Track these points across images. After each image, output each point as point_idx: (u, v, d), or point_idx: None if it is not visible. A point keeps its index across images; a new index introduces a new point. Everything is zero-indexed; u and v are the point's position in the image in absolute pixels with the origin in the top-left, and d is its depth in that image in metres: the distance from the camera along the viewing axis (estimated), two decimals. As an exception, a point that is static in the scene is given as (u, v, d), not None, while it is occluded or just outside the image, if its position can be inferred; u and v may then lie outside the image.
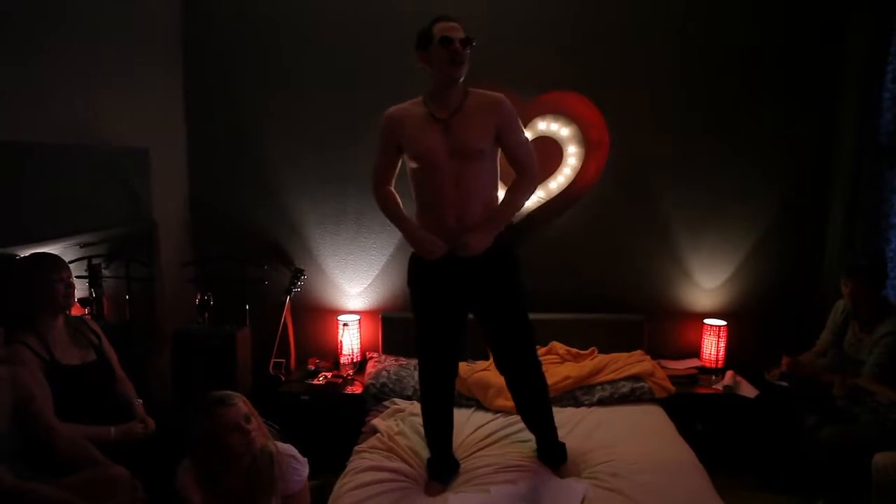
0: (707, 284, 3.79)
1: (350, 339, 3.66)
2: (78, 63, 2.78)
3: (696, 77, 3.60)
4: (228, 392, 2.01)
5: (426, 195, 2.46)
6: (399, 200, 2.55)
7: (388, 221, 2.58)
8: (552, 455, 2.67)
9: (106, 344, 2.56)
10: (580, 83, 3.54)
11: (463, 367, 3.14)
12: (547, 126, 3.56)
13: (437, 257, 2.39)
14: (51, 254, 2.41)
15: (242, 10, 3.61)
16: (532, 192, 2.60)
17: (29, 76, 2.50)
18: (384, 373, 3.39)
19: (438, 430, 2.65)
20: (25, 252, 2.38)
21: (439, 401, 2.63)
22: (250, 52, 3.64)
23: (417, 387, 3.24)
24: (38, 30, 2.55)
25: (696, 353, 3.78)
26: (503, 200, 2.50)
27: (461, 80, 2.36)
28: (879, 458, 2.55)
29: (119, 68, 3.06)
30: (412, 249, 2.52)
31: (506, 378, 2.68)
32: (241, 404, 1.99)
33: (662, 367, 3.50)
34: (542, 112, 3.56)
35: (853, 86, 3.41)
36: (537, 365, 2.64)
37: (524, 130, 2.60)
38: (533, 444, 2.77)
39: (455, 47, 2.29)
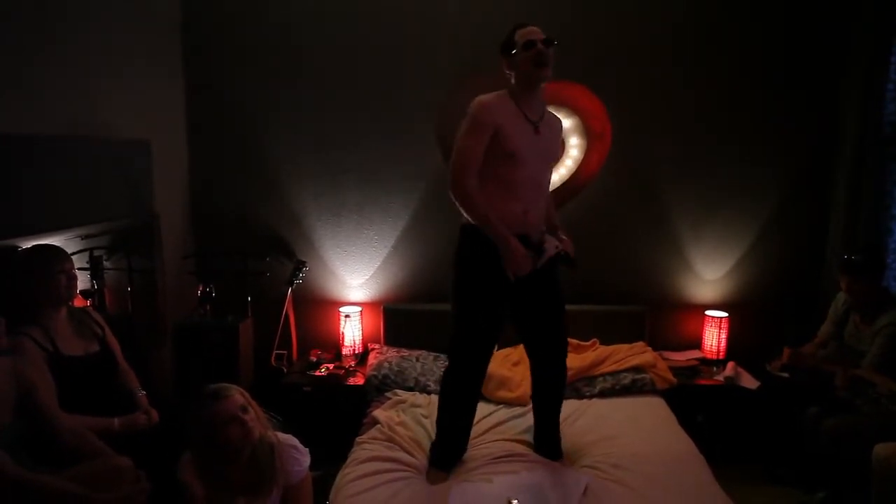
0: (708, 276, 3.79)
1: (352, 330, 3.67)
2: (79, 55, 2.77)
3: (699, 69, 3.59)
4: (225, 384, 2.02)
5: (501, 185, 2.43)
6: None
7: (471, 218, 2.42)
8: (552, 447, 2.69)
9: (109, 335, 2.57)
10: (582, 74, 3.53)
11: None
12: (549, 117, 3.55)
13: (520, 275, 2.39)
14: (53, 245, 2.41)
15: (243, 3, 3.60)
16: None
17: (31, 69, 2.50)
18: (386, 364, 3.40)
19: (460, 422, 2.65)
20: (27, 244, 2.38)
21: (469, 395, 2.63)
22: (251, 44, 3.63)
23: (419, 378, 3.27)
24: (39, 22, 2.54)
25: (697, 344, 3.78)
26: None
27: (547, 80, 2.45)
28: (880, 449, 2.56)
29: (120, 60, 3.05)
30: (516, 253, 2.37)
31: (534, 365, 2.70)
32: (238, 396, 1.99)
33: (664, 359, 3.50)
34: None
35: (857, 76, 3.39)
36: (565, 358, 2.71)
37: None
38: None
39: (539, 48, 2.38)
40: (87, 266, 2.93)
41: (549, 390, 2.72)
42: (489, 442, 2.78)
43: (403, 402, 3.11)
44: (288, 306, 3.59)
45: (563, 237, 2.62)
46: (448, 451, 2.63)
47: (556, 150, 2.60)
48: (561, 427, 2.79)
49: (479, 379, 2.65)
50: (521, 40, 2.39)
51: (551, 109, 3.49)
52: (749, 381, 3.42)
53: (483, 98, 2.42)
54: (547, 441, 2.71)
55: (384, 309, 3.73)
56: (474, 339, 2.55)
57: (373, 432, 2.83)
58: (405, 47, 3.59)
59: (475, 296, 2.50)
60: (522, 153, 2.40)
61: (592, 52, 3.57)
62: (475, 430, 2.84)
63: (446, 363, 2.67)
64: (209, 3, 3.61)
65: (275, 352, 3.54)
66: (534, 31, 2.41)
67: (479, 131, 2.38)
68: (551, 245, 2.50)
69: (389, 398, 3.17)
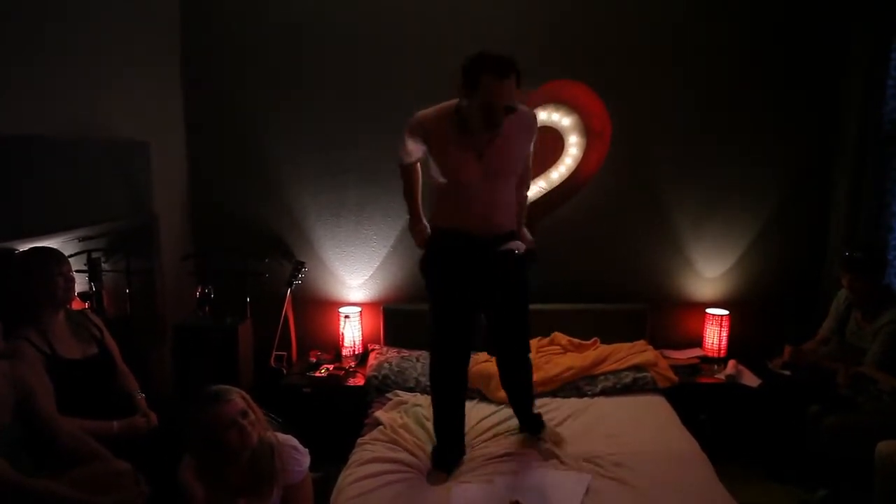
0: (709, 274, 3.79)
1: (351, 331, 3.66)
2: (78, 56, 2.76)
3: (699, 67, 3.58)
4: (225, 387, 2.00)
5: (454, 201, 2.46)
6: (420, 179, 2.59)
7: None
8: (533, 424, 2.79)
9: (108, 337, 2.55)
10: (582, 72, 3.52)
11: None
12: (548, 116, 3.53)
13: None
14: (50, 248, 2.40)
15: (242, 4, 3.59)
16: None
17: (30, 70, 2.49)
18: (386, 365, 3.39)
19: (449, 419, 2.67)
20: (25, 246, 2.37)
21: (452, 390, 2.66)
22: (250, 45, 3.62)
23: (420, 378, 3.26)
24: (38, 23, 2.53)
25: (698, 342, 3.77)
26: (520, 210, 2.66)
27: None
28: (883, 447, 2.55)
29: (119, 60, 3.04)
30: (417, 235, 2.65)
31: (499, 357, 2.77)
32: (238, 399, 1.98)
33: (665, 357, 3.50)
34: (544, 101, 3.53)
35: (857, 75, 3.39)
36: (528, 350, 2.79)
37: None
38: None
39: (495, 115, 2.23)
40: (85, 268, 2.92)
41: (515, 378, 2.80)
42: (490, 442, 2.78)
43: (405, 402, 3.10)
44: (287, 307, 3.58)
45: (527, 236, 2.69)
46: (446, 452, 2.62)
47: (511, 163, 2.44)
48: (563, 425, 2.86)
49: (459, 374, 2.67)
50: (484, 94, 2.20)
51: (551, 107, 3.53)
52: (750, 379, 3.41)
53: (420, 116, 2.40)
54: (526, 420, 2.81)
55: (384, 309, 3.72)
56: (445, 333, 2.61)
57: (375, 433, 2.82)
58: (405, 47, 3.57)
59: (435, 287, 2.58)
60: (460, 179, 2.39)
61: (593, 50, 3.56)
62: (476, 431, 2.84)
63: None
64: (208, 3, 3.59)
65: (274, 353, 3.53)
66: (500, 90, 2.19)
67: (410, 142, 2.45)
68: (513, 247, 2.55)
69: (391, 399, 3.16)
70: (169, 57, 3.56)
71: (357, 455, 2.66)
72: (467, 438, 2.78)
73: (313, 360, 3.63)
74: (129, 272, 3.12)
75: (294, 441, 2.15)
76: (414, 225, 2.64)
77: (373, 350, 3.68)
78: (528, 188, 2.74)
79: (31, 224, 2.43)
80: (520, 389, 2.82)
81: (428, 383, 3.22)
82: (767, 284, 3.77)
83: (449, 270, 2.53)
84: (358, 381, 3.44)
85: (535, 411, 2.85)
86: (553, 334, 3.60)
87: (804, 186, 3.68)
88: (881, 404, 2.79)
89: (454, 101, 2.40)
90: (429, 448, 2.69)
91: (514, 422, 2.92)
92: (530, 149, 2.56)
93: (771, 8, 3.53)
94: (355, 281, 3.83)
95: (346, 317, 3.65)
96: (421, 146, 2.45)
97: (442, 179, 2.43)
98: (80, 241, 2.85)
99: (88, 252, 2.92)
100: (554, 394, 3.22)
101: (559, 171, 3.60)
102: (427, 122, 2.40)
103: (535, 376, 3.20)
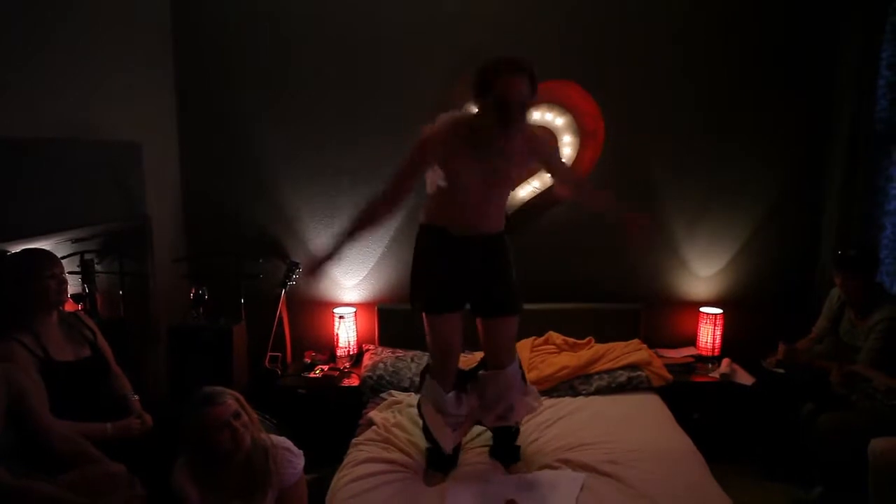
0: (703, 273, 3.79)
1: (346, 331, 3.65)
2: (70, 58, 2.75)
3: (692, 67, 3.59)
4: (218, 389, 2.00)
5: (448, 199, 2.43)
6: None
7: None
8: (507, 453, 2.67)
9: (101, 339, 2.54)
10: (575, 73, 3.52)
11: (465, 358, 3.14)
12: (542, 116, 3.53)
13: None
14: (42, 249, 2.39)
15: (235, 4, 3.57)
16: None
17: (22, 72, 2.47)
18: (381, 365, 3.38)
19: None
20: (17, 247, 2.36)
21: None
22: (243, 46, 3.60)
23: (415, 379, 3.25)
24: (30, 27, 2.51)
25: (692, 341, 3.78)
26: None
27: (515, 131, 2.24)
28: (876, 444, 2.56)
29: (111, 63, 3.03)
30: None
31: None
32: (231, 401, 1.98)
33: (659, 356, 3.51)
34: (537, 101, 3.52)
35: (848, 74, 3.40)
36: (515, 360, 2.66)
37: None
38: (530, 434, 2.77)
39: (511, 112, 2.15)
40: (77, 270, 2.91)
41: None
42: (485, 442, 2.77)
43: (399, 402, 3.10)
44: (281, 308, 3.58)
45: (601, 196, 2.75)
46: (438, 453, 2.61)
47: (511, 177, 2.45)
48: (557, 424, 2.86)
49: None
50: (498, 93, 2.13)
51: (544, 107, 3.53)
52: (744, 378, 3.42)
53: (429, 134, 2.33)
54: (502, 446, 2.69)
55: (378, 310, 3.71)
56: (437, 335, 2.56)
57: (369, 434, 2.82)
58: (400, 48, 3.57)
59: (427, 288, 2.53)
60: (462, 177, 2.34)
61: (587, 50, 3.57)
62: (472, 432, 2.83)
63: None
64: (201, 5, 3.58)
65: (269, 354, 3.52)
66: (514, 87, 2.12)
67: (412, 165, 2.38)
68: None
69: (385, 399, 3.16)
70: (161, 58, 3.54)
71: (351, 456, 2.65)
72: (464, 438, 2.77)
73: (308, 360, 3.63)
74: (122, 274, 3.11)
75: (288, 443, 2.15)
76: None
77: (367, 350, 3.68)
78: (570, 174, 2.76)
79: (24, 226, 2.42)
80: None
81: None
82: (761, 283, 3.78)
83: (439, 265, 2.49)
84: (353, 381, 3.44)
85: (517, 443, 2.71)
86: (548, 333, 3.61)
87: (797, 186, 3.69)
88: (875, 402, 2.81)
89: (459, 114, 2.41)
90: (423, 447, 2.69)
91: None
92: (558, 159, 2.63)
93: (763, 9, 3.54)
94: (350, 281, 3.83)
95: (341, 317, 3.64)
96: (425, 168, 2.39)
97: (443, 184, 2.40)
98: (72, 242, 2.84)
99: (81, 254, 2.91)
100: (549, 393, 3.23)
101: (553, 171, 3.61)
102: (436, 136, 2.32)
103: (530, 375, 3.21)
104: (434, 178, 2.43)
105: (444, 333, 2.53)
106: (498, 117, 2.15)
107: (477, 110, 2.28)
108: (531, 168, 2.46)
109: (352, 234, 2.45)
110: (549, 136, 2.46)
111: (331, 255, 2.47)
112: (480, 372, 2.63)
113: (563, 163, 2.64)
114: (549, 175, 3.57)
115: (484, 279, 2.49)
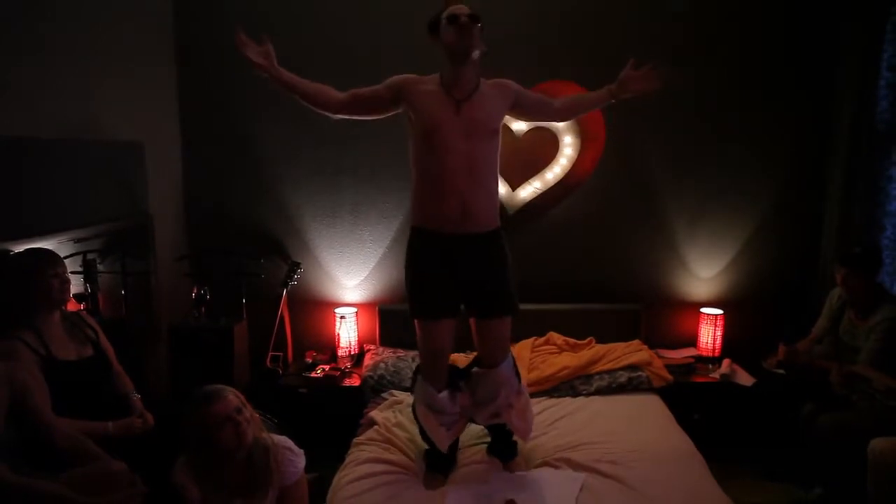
0: (704, 273, 3.80)
1: (347, 331, 3.66)
2: (72, 57, 2.75)
3: (693, 68, 3.58)
4: (219, 386, 2.01)
5: (432, 179, 2.40)
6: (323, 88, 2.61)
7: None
8: (505, 450, 2.67)
9: (103, 339, 2.55)
10: (576, 73, 3.52)
11: (460, 357, 3.15)
12: (542, 116, 3.54)
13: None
14: (45, 249, 2.40)
15: (236, 4, 3.58)
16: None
17: (23, 71, 2.48)
18: (382, 365, 3.39)
19: None
20: (20, 247, 2.36)
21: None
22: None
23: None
24: (31, 24, 2.52)
25: (693, 342, 3.78)
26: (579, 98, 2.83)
27: (473, 57, 2.37)
28: (876, 444, 2.56)
29: (114, 62, 3.04)
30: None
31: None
32: (232, 397, 1.99)
33: (660, 357, 3.51)
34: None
35: (849, 75, 3.40)
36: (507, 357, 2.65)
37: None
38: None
39: (462, 22, 2.32)
40: (80, 269, 2.91)
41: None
42: (485, 443, 2.78)
43: (400, 402, 3.10)
44: (283, 308, 3.58)
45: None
46: (436, 455, 2.61)
47: (491, 122, 2.43)
48: (558, 424, 2.87)
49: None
50: (445, 16, 2.37)
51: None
52: (745, 378, 3.43)
53: (402, 75, 2.50)
54: (500, 443, 2.70)
55: (379, 309, 3.72)
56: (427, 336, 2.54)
57: (370, 433, 2.83)
58: (401, 46, 3.57)
59: (418, 294, 2.51)
60: (441, 135, 2.35)
61: (587, 50, 3.57)
62: (470, 431, 2.83)
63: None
64: (202, 3, 3.59)
65: (270, 353, 3.53)
66: (460, 7, 2.37)
67: (377, 88, 2.50)
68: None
69: (386, 399, 3.17)
70: (163, 57, 3.55)
71: (353, 455, 2.66)
72: (462, 439, 2.77)
73: (309, 360, 3.64)
74: (124, 273, 3.12)
75: (289, 442, 2.15)
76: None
77: (368, 350, 3.69)
78: (555, 102, 2.69)
79: (26, 225, 2.43)
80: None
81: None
82: (762, 284, 3.78)
83: (424, 259, 2.48)
84: (354, 381, 3.45)
85: (515, 438, 2.70)
86: (548, 334, 3.61)
87: (798, 187, 3.70)
88: (875, 403, 2.81)
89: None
90: (423, 447, 2.69)
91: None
92: (530, 94, 2.59)
93: (764, 10, 3.54)
94: (351, 281, 3.84)
95: (342, 317, 3.65)
96: (389, 97, 2.48)
97: (421, 150, 2.40)
98: (75, 242, 2.84)
99: (84, 253, 2.92)
100: (549, 393, 3.23)
101: (554, 172, 3.62)
102: (409, 78, 2.49)
103: (531, 376, 3.22)
104: (416, 151, 2.43)
105: (436, 339, 2.50)
106: (453, 32, 2.32)
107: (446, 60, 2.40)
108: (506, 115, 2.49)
109: (293, 88, 2.66)
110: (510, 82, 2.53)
111: (282, 79, 2.68)
112: (473, 369, 2.63)
113: (535, 94, 2.64)
114: (550, 175, 3.61)
115: (478, 281, 2.47)
